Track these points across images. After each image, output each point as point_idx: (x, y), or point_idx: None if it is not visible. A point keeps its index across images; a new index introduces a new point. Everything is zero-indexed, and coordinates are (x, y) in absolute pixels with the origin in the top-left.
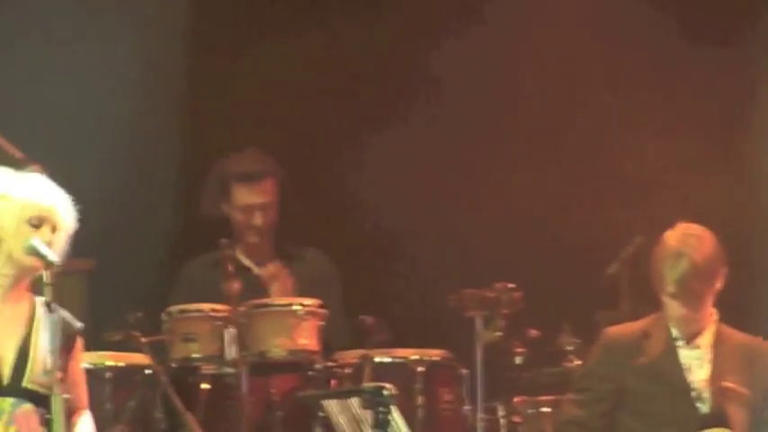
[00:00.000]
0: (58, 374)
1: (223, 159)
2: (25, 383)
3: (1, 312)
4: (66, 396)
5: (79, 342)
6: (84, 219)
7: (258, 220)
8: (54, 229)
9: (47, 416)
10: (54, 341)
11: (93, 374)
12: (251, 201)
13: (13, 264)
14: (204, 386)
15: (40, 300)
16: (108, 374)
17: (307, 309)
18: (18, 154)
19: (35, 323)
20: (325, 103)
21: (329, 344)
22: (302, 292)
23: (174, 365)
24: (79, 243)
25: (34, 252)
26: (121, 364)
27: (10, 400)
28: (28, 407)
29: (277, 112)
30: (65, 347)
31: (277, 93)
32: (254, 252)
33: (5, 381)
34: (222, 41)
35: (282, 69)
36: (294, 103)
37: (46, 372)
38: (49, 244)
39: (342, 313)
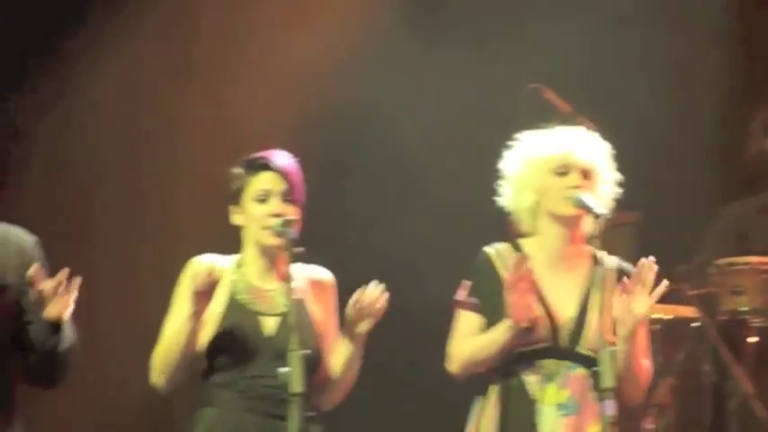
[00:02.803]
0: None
1: None
2: (580, 349)
3: (557, 273)
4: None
5: None
6: (631, 171)
7: None
8: (585, 176)
9: (594, 368)
10: (602, 297)
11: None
12: None
13: (556, 221)
14: (752, 339)
15: (602, 256)
16: (657, 327)
17: None
18: (565, 108)
19: (591, 286)
20: None
21: None
22: None
23: (721, 318)
24: (626, 196)
25: (581, 205)
26: (670, 316)
27: (566, 363)
28: (582, 371)
29: None
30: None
31: None
32: None
33: (563, 343)
34: None
35: None
36: None
37: (600, 337)
38: (577, 187)
39: None
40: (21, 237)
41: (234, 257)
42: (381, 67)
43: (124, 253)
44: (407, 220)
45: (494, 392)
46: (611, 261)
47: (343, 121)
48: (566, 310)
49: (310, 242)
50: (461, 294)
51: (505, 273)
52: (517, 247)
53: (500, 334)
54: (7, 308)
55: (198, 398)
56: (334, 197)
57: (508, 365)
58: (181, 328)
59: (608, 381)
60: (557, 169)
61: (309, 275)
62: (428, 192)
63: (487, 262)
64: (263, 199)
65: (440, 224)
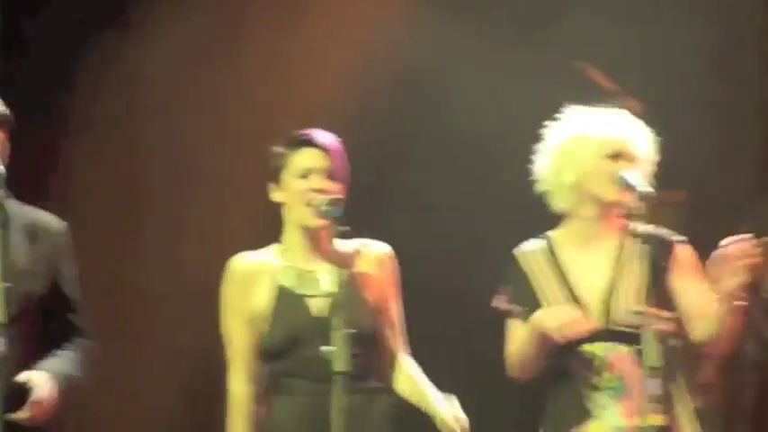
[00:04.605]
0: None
1: None
2: (610, 325)
3: (586, 254)
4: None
5: (681, 253)
6: (676, 150)
7: None
8: (631, 162)
9: (637, 347)
10: (645, 273)
11: None
12: None
13: (596, 202)
14: None
15: (636, 228)
16: None
17: None
18: (608, 86)
19: (622, 259)
20: None
21: None
22: None
23: (766, 297)
24: (670, 175)
25: (624, 184)
26: None
27: (601, 345)
28: (623, 348)
29: None
30: (662, 265)
31: None
32: None
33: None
34: None
35: None
36: None
37: (634, 310)
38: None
39: None
40: (48, 223)
41: (272, 247)
42: (433, 50)
43: (172, 230)
44: (462, 202)
45: (551, 388)
46: (647, 228)
47: (395, 104)
48: (593, 290)
49: (364, 222)
50: (500, 301)
51: (533, 273)
52: (548, 242)
53: (529, 339)
54: (35, 297)
55: (267, 388)
56: (388, 179)
57: (555, 358)
58: None
59: (651, 359)
60: (608, 154)
61: (363, 250)
62: (481, 174)
63: (517, 267)
64: (304, 176)
65: (491, 206)
